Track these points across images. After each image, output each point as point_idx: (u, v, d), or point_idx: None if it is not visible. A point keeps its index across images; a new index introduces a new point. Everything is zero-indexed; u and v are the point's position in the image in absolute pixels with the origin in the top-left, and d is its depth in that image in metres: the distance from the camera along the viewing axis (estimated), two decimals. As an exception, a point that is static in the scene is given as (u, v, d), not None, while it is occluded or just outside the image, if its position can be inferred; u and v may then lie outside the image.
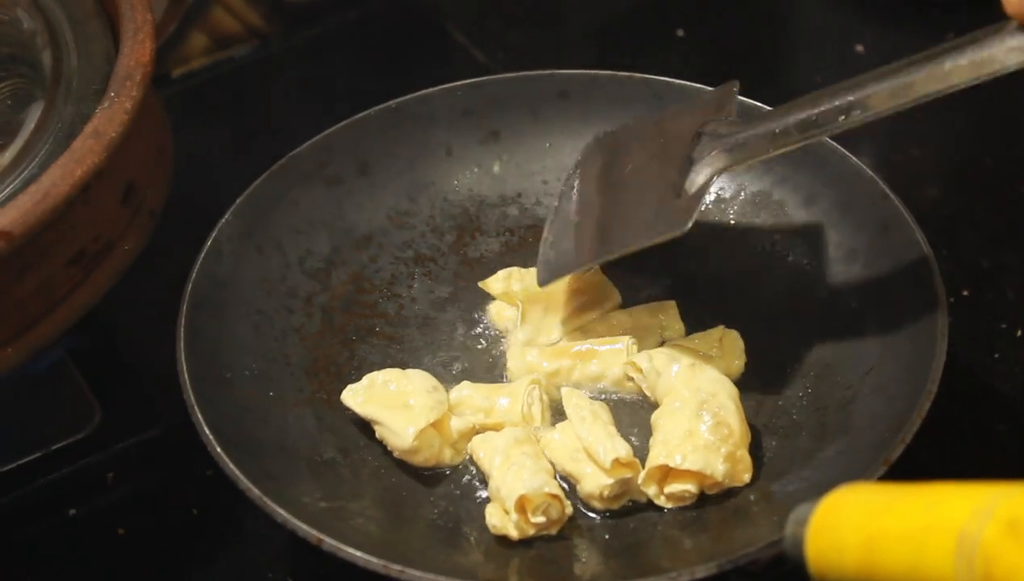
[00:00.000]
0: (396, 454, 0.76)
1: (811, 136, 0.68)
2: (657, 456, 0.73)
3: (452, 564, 0.71)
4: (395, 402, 0.77)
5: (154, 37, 0.78)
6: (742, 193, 0.87)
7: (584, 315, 0.83)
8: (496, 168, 0.91)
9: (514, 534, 0.71)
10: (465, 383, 0.79)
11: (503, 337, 0.83)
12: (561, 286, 0.83)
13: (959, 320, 0.83)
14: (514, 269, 0.86)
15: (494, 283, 0.85)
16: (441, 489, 0.76)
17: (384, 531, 0.72)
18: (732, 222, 0.86)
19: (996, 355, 0.84)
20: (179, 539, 0.80)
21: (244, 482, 0.70)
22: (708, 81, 0.88)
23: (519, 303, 0.83)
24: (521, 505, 0.71)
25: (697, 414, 0.74)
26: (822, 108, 0.66)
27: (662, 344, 0.81)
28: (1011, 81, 1.02)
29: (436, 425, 0.76)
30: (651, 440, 0.75)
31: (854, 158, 0.83)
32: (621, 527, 0.73)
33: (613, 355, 0.80)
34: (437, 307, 0.85)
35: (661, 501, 0.73)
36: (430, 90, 0.90)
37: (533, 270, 0.84)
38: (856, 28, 1.09)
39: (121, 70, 0.76)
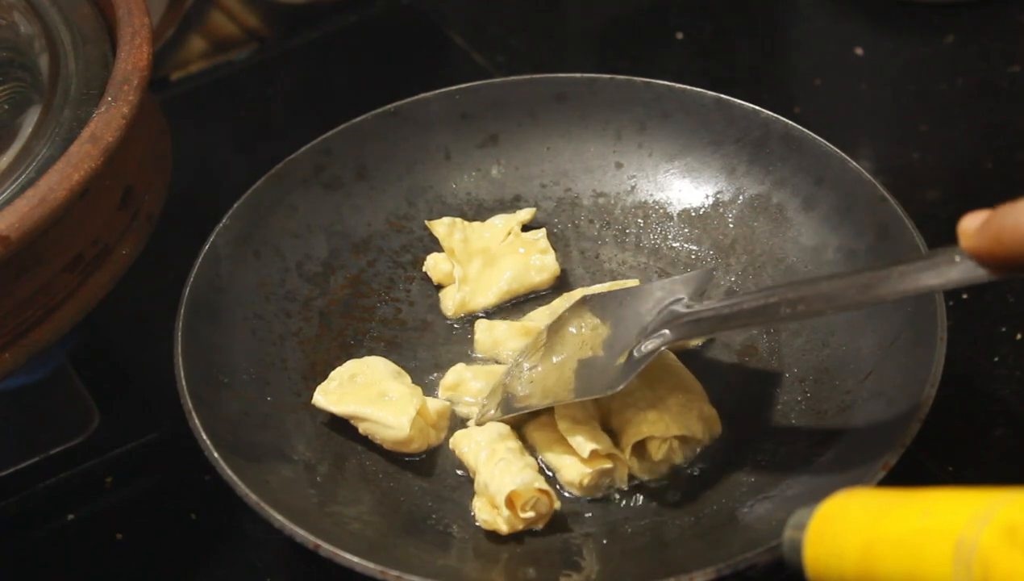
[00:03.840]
0: (387, 446, 0.77)
1: (754, 323, 0.77)
2: (639, 431, 0.74)
3: (449, 569, 0.70)
4: (370, 394, 0.77)
5: (151, 41, 0.78)
6: (741, 196, 0.87)
7: (521, 281, 0.85)
8: (494, 172, 0.90)
9: (504, 529, 0.72)
10: (460, 365, 0.80)
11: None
12: (500, 246, 0.86)
13: (958, 324, 0.83)
14: (459, 220, 0.87)
15: (439, 225, 0.87)
16: (439, 494, 0.76)
17: (381, 536, 0.72)
18: (731, 226, 0.86)
19: (996, 359, 0.84)
20: (177, 544, 0.80)
21: (241, 487, 0.69)
22: (708, 84, 0.88)
23: (456, 260, 0.85)
24: (511, 500, 0.72)
25: (653, 385, 0.76)
26: (771, 301, 0.69)
27: None
28: (1011, 84, 1.02)
29: (419, 410, 0.76)
30: (615, 420, 0.76)
31: (853, 162, 0.83)
32: (619, 533, 0.73)
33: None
34: (435, 311, 0.85)
35: (643, 474, 0.75)
36: (428, 94, 0.90)
37: (476, 224, 0.87)
38: (855, 31, 1.09)
39: (119, 74, 0.76)
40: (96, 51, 0.80)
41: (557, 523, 0.74)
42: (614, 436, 0.76)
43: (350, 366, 0.79)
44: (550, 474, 0.76)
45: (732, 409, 0.78)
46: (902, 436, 0.69)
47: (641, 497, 0.75)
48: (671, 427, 0.75)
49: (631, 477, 0.75)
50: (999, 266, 0.59)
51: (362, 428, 0.77)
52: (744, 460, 0.76)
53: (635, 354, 0.74)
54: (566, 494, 0.75)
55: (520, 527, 0.72)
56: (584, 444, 0.74)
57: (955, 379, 0.73)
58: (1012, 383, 0.83)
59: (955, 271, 0.61)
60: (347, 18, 1.13)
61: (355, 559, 0.66)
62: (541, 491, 0.72)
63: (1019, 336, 0.85)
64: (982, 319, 0.87)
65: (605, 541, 0.73)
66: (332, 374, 0.79)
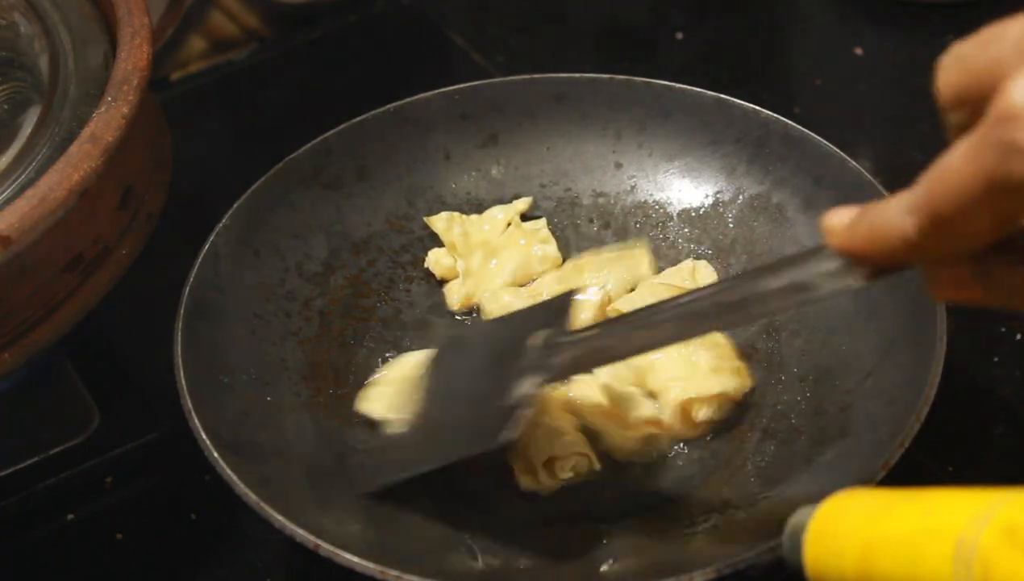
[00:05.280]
0: None
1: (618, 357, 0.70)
2: (685, 391, 0.76)
3: (449, 569, 0.70)
4: None
5: (151, 41, 0.78)
6: (740, 196, 0.87)
7: (525, 271, 0.85)
8: (494, 172, 0.90)
9: (545, 489, 0.74)
10: (499, 288, 0.82)
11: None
12: (500, 238, 0.86)
13: (958, 323, 0.82)
14: (457, 214, 0.88)
15: (437, 221, 0.87)
16: (439, 494, 0.76)
17: (382, 536, 0.72)
18: (730, 225, 0.86)
19: (996, 359, 0.84)
20: (177, 544, 0.80)
21: (241, 487, 0.69)
22: (708, 84, 0.88)
23: (458, 254, 0.86)
24: (550, 463, 0.74)
25: (683, 344, 0.77)
26: (640, 334, 0.65)
27: (632, 288, 0.83)
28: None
29: None
30: (650, 382, 0.77)
31: (853, 162, 0.83)
32: (618, 532, 0.73)
33: (585, 303, 0.81)
34: (435, 311, 0.85)
35: (685, 434, 0.76)
36: (428, 94, 0.90)
37: (474, 217, 0.87)
38: (855, 31, 1.09)
39: (118, 74, 0.76)
40: (96, 51, 0.80)
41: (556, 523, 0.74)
42: (653, 398, 0.77)
43: (395, 367, 0.80)
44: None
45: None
46: (902, 436, 0.69)
47: (640, 496, 0.75)
48: (711, 386, 0.76)
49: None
50: (870, 267, 0.57)
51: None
52: (744, 460, 0.76)
53: (509, 400, 0.68)
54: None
55: (558, 487, 0.74)
56: (633, 410, 0.75)
57: (955, 379, 0.73)
58: (1012, 383, 0.83)
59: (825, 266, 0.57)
60: (347, 18, 1.13)
61: (355, 559, 0.66)
62: (581, 454, 0.74)
63: (1019, 336, 0.85)
64: (982, 319, 0.87)
65: (605, 541, 0.72)
66: (378, 378, 0.80)
